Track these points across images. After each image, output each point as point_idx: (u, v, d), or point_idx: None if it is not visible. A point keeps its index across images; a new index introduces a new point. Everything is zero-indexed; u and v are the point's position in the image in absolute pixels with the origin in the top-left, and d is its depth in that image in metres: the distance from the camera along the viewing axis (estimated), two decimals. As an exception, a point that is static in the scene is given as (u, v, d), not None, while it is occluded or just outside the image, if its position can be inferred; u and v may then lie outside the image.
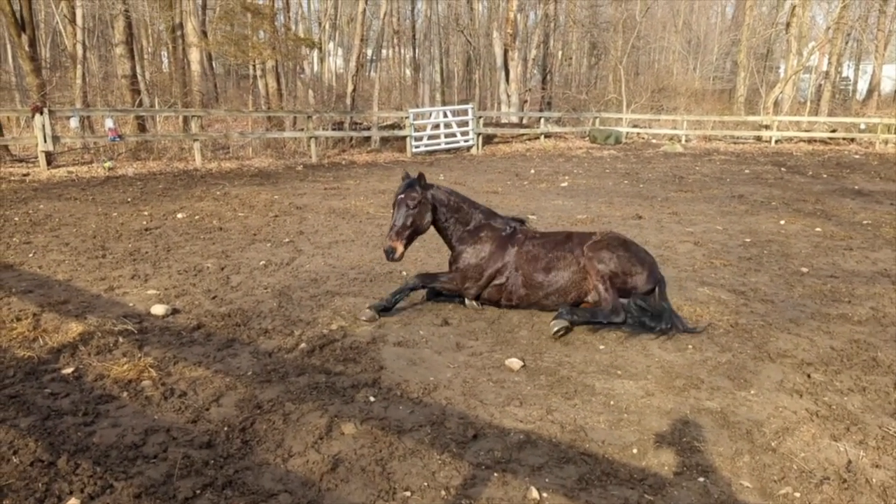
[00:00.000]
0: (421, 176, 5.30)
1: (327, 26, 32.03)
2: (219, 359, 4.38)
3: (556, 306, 5.18)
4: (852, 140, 24.60)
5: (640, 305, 5.03)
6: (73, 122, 15.20)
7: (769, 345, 4.86)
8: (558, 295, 5.25)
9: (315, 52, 32.31)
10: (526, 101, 31.05)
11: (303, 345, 4.65)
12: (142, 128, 18.61)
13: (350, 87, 22.74)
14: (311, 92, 26.99)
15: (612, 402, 3.92)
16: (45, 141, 13.83)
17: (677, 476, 3.16)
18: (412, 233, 5.26)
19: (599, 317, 4.92)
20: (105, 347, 4.47)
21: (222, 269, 6.69)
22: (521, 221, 5.67)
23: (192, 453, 3.21)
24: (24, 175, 13.24)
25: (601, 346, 4.79)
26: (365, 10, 23.25)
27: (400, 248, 5.14)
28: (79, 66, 18.77)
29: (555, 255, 5.27)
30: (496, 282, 5.39)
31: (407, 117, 20.31)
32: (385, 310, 5.28)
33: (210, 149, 17.64)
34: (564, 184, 13.89)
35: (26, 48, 16.09)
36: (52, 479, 2.97)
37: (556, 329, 4.78)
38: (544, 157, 20.18)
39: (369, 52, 39.62)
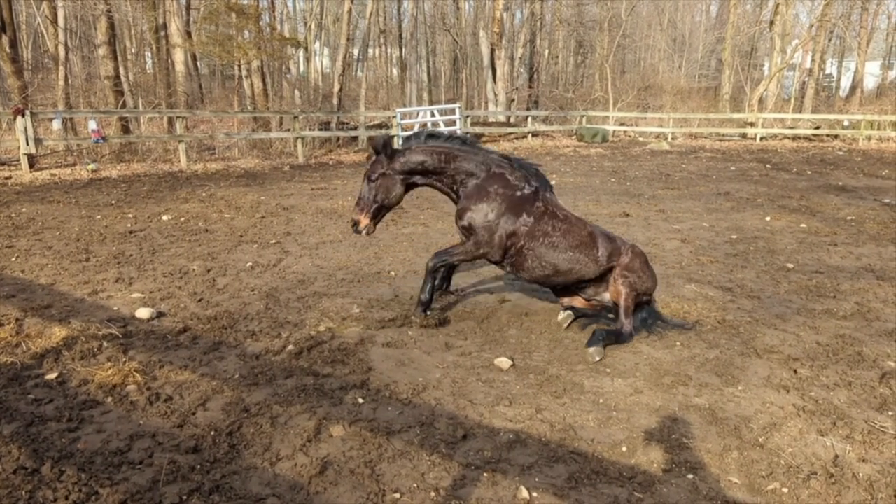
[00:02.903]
0: (386, 144, 4.85)
1: (313, 26, 31.90)
2: (205, 362, 4.33)
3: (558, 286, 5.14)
4: (836, 136, 24.87)
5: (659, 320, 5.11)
6: (56, 124, 15.01)
7: (756, 341, 4.89)
8: (565, 281, 5.02)
9: (301, 52, 32.19)
10: (513, 100, 31.11)
11: (290, 347, 4.62)
12: (126, 129, 18.43)
13: (337, 87, 22.68)
14: (297, 92, 26.90)
15: (601, 401, 3.92)
16: (28, 143, 13.66)
17: (666, 473, 3.17)
18: (378, 207, 4.94)
19: (622, 339, 4.79)
20: (89, 352, 4.41)
21: (208, 271, 6.63)
22: (543, 178, 5.09)
23: (178, 458, 3.17)
24: (6, 178, 13.07)
25: (590, 345, 4.79)
26: (351, 9, 23.18)
27: (364, 221, 4.91)
28: (61, 68, 18.58)
29: (575, 255, 4.84)
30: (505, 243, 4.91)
31: (394, 117, 20.28)
32: (427, 306, 5.05)
33: (195, 150, 17.51)
34: (552, 182, 13.90)
35: (7, 50, 15.91)
36: (36, 486, 2.92)
37: (597, 359, 4.50)
38: (532, 155, 20.21)
39: (356, 51, 39.53)
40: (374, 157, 4.96)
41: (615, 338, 4.76)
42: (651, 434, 3.52)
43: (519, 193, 4.85)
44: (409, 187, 5.06)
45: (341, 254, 7.45)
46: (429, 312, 5.09)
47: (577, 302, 5.30)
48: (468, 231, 4.93)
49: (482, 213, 4.82)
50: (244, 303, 5.63)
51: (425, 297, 5.05)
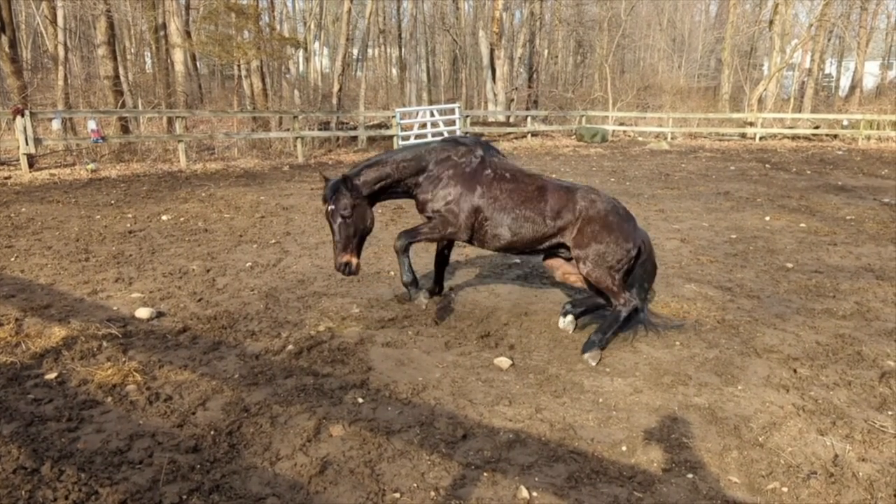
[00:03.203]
0: (345, 178, 4.70)
1: (312, 26, 31.89)
2: (205, 362, 4.33)
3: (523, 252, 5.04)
4: (835, 136, 24.88)
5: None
6: (56, 124, 14.99)
7: (756, 340, 4.89)
8: (524, 243, 4.90)
9: (300, 52, 32.19)
10: (513, 100, 31.13)
11: (290, 347, 4.62)
12: (125, 129, 18.41)
13: (336, 87, 22.66)
14: (296, 92, 26.90)
15: (600, 400, 3.92)
16: (27, 143, 13.64)
17: (666, 472, 3.17)
18: (360, 239, 4.86)
19: (621, 319, 4.63)
20: (89, 352, 4.41)
21: (208, 271, 6.63)
22: (486, 145, 5.05)
23: (178, 458, 3.17)
24: (6, 178, 13.06)
25: (589, 344, 4.78)
26: (350, 9, 23.17)
27: (355, 260, 4.78)
28: (60, 68, 18.56)
29: (523, 212, 4.74)
30: (471, 221, 4.88)
31: (394, 116, 20.27)
32: (415, 284, 4.96)
33: (195, 150, 17.50)
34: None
35: (6, 49, 15.90)
36: (36, 486, 2.92)
37: (593, 363, 4.44)
38: (531, 155, 20.20)
39: (355, 51, 39.54)
40: (334, 197, 4.73)
41: (616, 326, 4.61)
42: (651, 433, 3.52)
43: (468, 169, 4.84)
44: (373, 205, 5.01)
45: (341, 253, 7.43)
46: (422, 289, 4.97)
47: (565, 267, 5.07)
48: (434, 214, 4.89)
49: (441, 199, 4.81)
50: (244, 303, 5.63)
51: (408, 278, 4.92)
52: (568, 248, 4.86)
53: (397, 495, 2.95)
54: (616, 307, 4.71)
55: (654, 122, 27.17)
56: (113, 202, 10.73)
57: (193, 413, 3.63)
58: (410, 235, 4.89)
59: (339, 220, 4.73)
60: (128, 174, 14.39)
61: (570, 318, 5.02)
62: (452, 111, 21.73)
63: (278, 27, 31.15)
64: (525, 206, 4.76)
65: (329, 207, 4.76)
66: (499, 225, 4.79)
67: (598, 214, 4.69)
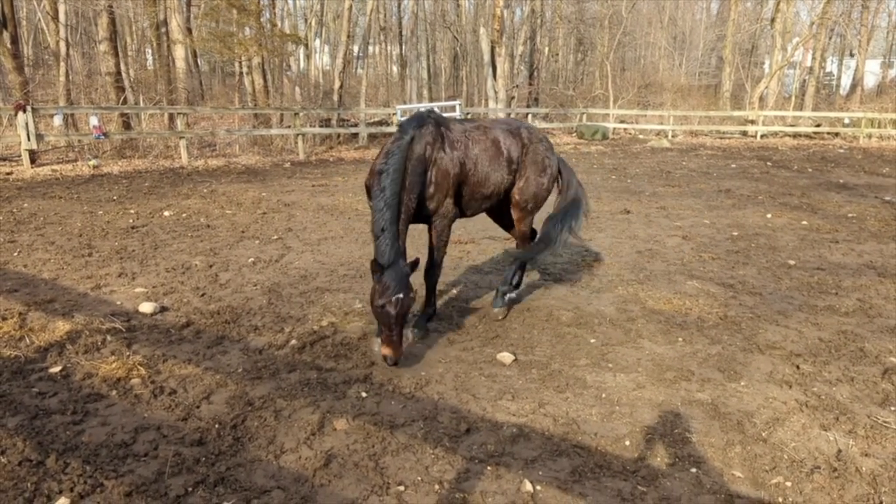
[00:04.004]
0: (412, 264, 4.23)
1: (313, 23, 31.83)
2: (208, 356, 4.34)
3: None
4: (836, 134, 24.89)
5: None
6: (57, 120, 14.98)
7: (758, 337, 4.89)
8: (497, 201, 5.02)
9: (301, 49, 32.14)
10: (513, 98, 31.08)
11: (293, 341, 4.63)
12: (127, 125, 18.39)
13: (337, 84, 22.64)
14: (297, 89, 26.85)
15: (603, 395, 3.93)
16: (29, 139, 13.64)
17: (670, 467, 3.18)
18: None
19: (522, 268, 4.82)
20: (93, 346, 4.42)
21: (210, 266, 6.64)
22: (439, 117, 4.82)
23: (183, 451, 3.18)
24: (8, 174, 13.05)
25: (592, 340, 4.80)
26: (351, 6, 23.15)
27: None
28: (62, 64, 18.51)
29: (493, 173, 4.82)
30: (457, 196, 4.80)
31: (395, 114, 20.26)
32: (430, 318, 4.93)
33: (196, 146, 17.49)
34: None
35: (8, 45, 15.87)
36: (41, 478, 2.93)
37: (502, 316, 4.76)
38: (532, 152, 20.16)
39: (356, 48, 39.48)
40: (406, 286, 4.13)
41: (521, 270, 4.87)
42: (654, 429, 3.53)
43: (441, 153, 4.59)
44: None
45: (343, 249, 7.45)
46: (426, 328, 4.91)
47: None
48: (432, 215, 4.72)
49: (439, 188, 4.57)
50: (247, 298, 5.63)
51: (432, 311, 4.97)
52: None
53: (401, 488, 2.96)
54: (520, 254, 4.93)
55: (654, 120, 27.19)
56: (115, 198, 10.73)
57: (198, 406, 3.64)
58: (438, 259, 4.77)
59: (408, 306, 4.16)
60: (129, 170, 14.38)
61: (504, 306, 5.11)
62: (453, 108, 21.70)
63: (279, 24, 31.09)
64: (493, 162, 4.80)
65: (399, 297, 4.04)
66: (481, 185, 4.82)
67: (538, 155, 4.80)
